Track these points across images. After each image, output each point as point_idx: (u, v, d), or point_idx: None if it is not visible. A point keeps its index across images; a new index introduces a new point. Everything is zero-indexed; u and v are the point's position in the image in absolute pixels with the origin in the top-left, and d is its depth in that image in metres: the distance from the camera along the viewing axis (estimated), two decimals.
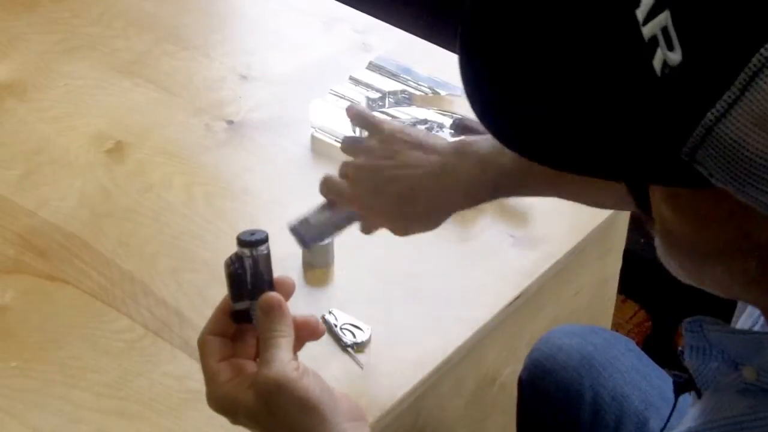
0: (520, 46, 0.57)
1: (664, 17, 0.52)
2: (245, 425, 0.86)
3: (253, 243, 0.86)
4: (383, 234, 1.25)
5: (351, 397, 0.87)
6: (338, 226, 1.10)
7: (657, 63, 0.52)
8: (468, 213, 1.31)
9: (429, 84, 1.43)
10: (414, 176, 1.02)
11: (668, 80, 0.52)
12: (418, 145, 1.04)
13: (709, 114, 0.51)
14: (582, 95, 0.55)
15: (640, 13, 0.53)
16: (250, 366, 0.86)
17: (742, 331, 0.73)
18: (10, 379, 1.12)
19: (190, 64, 1.54)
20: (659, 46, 0.52)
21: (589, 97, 0.55)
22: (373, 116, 1.11)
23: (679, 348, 0.75)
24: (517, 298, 1.21)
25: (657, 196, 0.62)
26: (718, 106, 0.51)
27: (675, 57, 0.52)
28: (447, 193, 1.02)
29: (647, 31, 0.53)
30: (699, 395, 0.75)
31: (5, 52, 1.56)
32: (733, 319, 0.80)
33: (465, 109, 1.39)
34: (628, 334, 2.00)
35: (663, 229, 0.63)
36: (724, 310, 0.83)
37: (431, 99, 1.42)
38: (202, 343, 0.87)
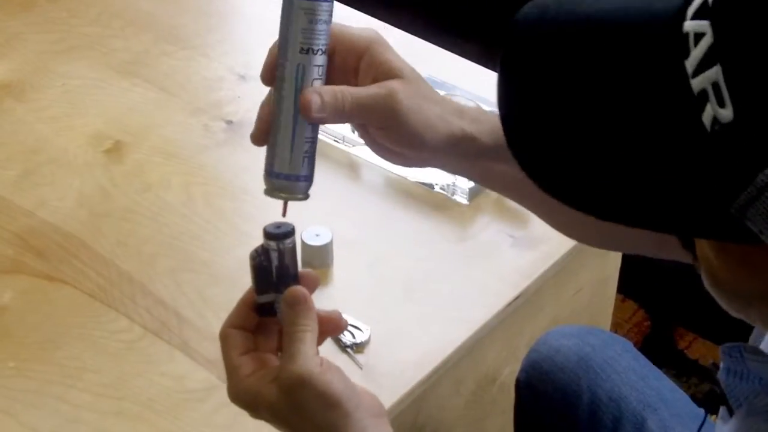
0: (567, 96, 0.56)
1: (714, 72, 0.51)
2: (266, 419, 0.84)
3: (279, 236, 0.84)
4: (382, 233, 1.25)
5: (372, 393, 0.86)
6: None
7: (707, 118, 0.51)
8: (467, 213, 1.31)
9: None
10: (442, 98, 0.87)
11: (718, 137, 0.51)
12: None
13: (761, 175, 0.50)
14: (629, 147, 0.54)
15: (689, 65, 0.52)
16: (272, 360, 0.85)
17: None
18: (8, 379, 1.12)
19: (189, 63, 1.54)
20: (709, 101, 0.51)
21: (636, 149, 0.54)
22: None
23: (711, 362, 0.75)
24: (517, 298, 1.21)
25: (703, 241, 0.61)
26: None
27: (726, 114, 0.50)
28: (461, 121, 0.85)
29: (696, 84, 0.51)
30: (730, 412, 0.74)
31: (3, 52, 1.55)
32: (754, 333, 0.79)
33: None
34: (627, 333, 2.00)
35: (708, 270, 0.62)
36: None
37: None
38: (224, 336, 0.85)
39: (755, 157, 0.50)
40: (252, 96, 1.48)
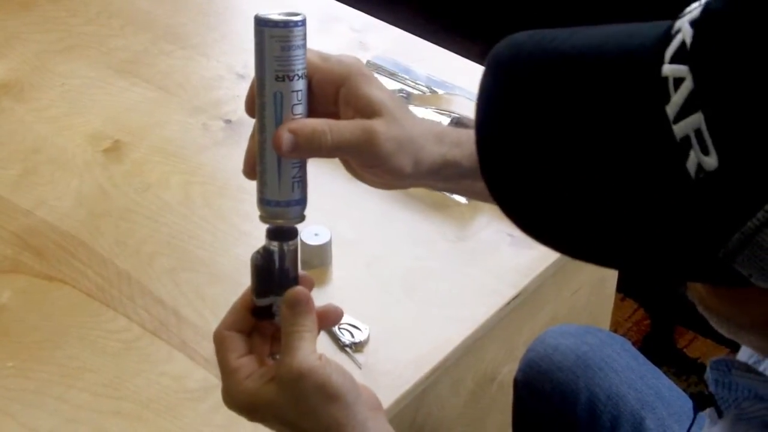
0: (545, 139, 0.55)
1: (696, 119, 0.50)
2: (264, 421, 0.84)
3: (283, 236, 0.83)
4: (381, 233, 1.25)
5: (368, 387, 0.86)
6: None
7: (691, 166, 0.50)
8: (466, 212, 1.31)
9: (427, 83, 1.43)
10: (422, 120, 0.86)
11: (704, 185, 0.50)
12: None
13: (749, 223, 0.49)
14: (608, 191, 0.53)
15: (671, 111, 0.51)
16: (266, 362, 0.85)
17: None
18: (6, 379, 1.12)
19: (188, 63, 1.54)
20: (692, 149, 0.50)
21: (616, 194, 0.53)
22: None
23: (708, 361, 0.75)
24: (516, 297, 1.21)
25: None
26: (759, 215, 0.49)
27: (711, 162, 0.50)
28: (446, 145, 0.85)
29: (678, 130, 0.50)
30: (719, 413, 0.74)
31: (2, 51, 1.55)
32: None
33: (462, 108, 1.39)
34: (627, 332, 2.00)
35: (700, 300, 0.62)
36: None
37: (429, 98, 1.41)
38: (220, 339, 0.84)
39: (743, 205, 0.49)
40: None
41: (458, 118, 1.37)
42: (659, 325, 2.05)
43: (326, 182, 1.36)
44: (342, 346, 1.14)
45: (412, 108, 1.40)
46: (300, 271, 0.86)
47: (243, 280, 1.21)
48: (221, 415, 1.07)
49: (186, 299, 1.19)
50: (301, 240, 1.22)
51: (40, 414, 1.08)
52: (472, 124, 1.38)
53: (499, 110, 0.58)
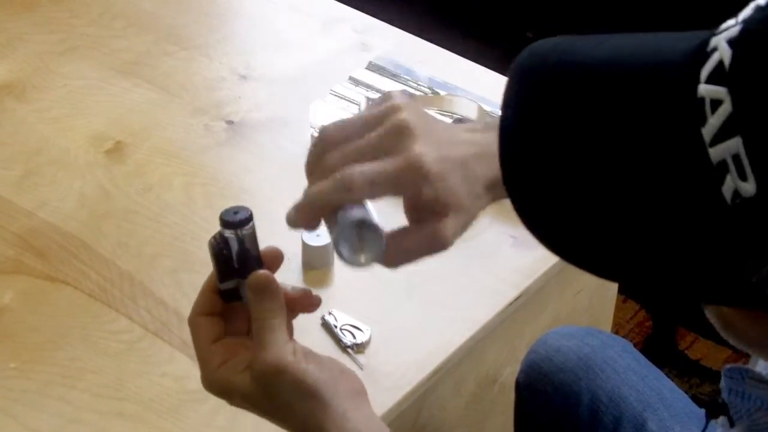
0: (573, 157, 0.54)
1: (735, 143, 0.48)
2: (243, 407, 0.84)
3: (237, 224, 0.83)
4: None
5: (347, 369, 0.84)
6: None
7: (727, 191, 0.49)
8: None
9: (429, 84, 1.43)
10: (472, 147, 0.80)
11: (740, 211, 0.49)
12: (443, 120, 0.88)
13: None
14: (638, 211, 0.52)
15: (707, 134, 0.49)
16: (244, 344, 0.84)
17: None
18: (9, 380, 1.12)
19: (190, 64, 1.54)
20: (729, 173, 0.49)
21: (647, 215, 0.52)
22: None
23: (721, 385, 0.74)
24: (518, 298, 1.21)
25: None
26: None
27: (749, 188, 0.48)
28: (491, 173, 0.80)
29: (715, 154, 0.49)
30: (731, 422, 0.74)
31: (4, 52, 1.56)
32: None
33: (464, 109, 1.39)
34: (628, 334, 2.00)
35: (719, 317, 0.61)
36: None
37: (431, 99, 1.41)
38: (192, 325, 0.84)
39: None
40: (253, 96, 1.48)
41: (460, 119, 1.37)
42: (661, 326, 2.05)
43: None
44: (343, 348, 1.14)
45: None
46: (267, 246, 0.85)
47: None
48: (222, 416, 1.07)
49: (188, 300, 1.19)
50: (303, 241, 1.22)
51: (42, 415, 1.08)
52: (473, 124, 1.38)
53: (524, 126, 0.56)
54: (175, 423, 1.08)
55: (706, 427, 0.85)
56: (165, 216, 1.30)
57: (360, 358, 1.13)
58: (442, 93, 1.42)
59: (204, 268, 1.23)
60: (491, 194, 0.80)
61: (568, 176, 0.54)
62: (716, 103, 0.49)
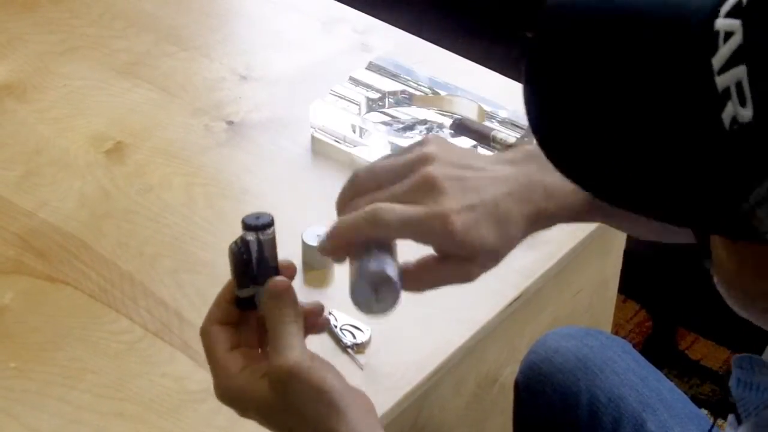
0: (593, 85, 0.57)
1: (740, 71, 0.51)
2: (254, 418, 0.83)
3: (259, 227, 0.83)
4: None
5: (360, 390, 0.85)
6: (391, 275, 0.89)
7: (726, 117, 0.51)
8: None
9: (429, 84, 1.43)
10: (504, 184, 0.82)
11: (735, 136, 0.51)
12: (481, 156, 0.88)
13: None
14: (650, 138, 0.54)
15: (716, 62, 0.52)
16: (258, 354, 0.84)
17: None
18: (9, 380, 1.12)
19: (190, 64, 1.54)
20: (731, 100, 0.51)
21: (656, 140, 0.54)
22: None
23: (725, 369, 0.74)
24: (518, 298, 1.21)
25: (717, 239, 0.62)
26: None
27: (746, 114, 0.51)
28: (534, 205, 0.83)
29: (721, 81, 0.51)
30: (738, 420, 0.74)
31: (4, 53, 1.56)
32: None
33: (465, 110, 1.39)
34: (628, 334, 2.00)
35: (720, 270, 0.63)
36: (725, 308, 0.83)
37: (431, 99, 1.42)
38: (207, 334, 0.84)
39: None
40: (253, 97, 1.49)
41: (460, 119, 1.37)
42: (661, 326, 2.05)
43: (328, 183, 1.36)
44: (344, 348, 1.14)
45: (413, 109, 1.41)
46: (281, 258, 0.85)
47: None
48: (223, 417, 1.07)
49: (188, 300, 1.20)
50: (303, 241, 1.22)
51: (42, 415, 1.08)
52: (473, 126, 1.38)
53: (554, 56, 0.59)
54: (176, 423, 1.08)
55: (712, 427, 0.85)
56: (165, 216, 1.30)
57: (360, 358, 1.13)
58: (443, 93, 1.42)
59: (204, 268, 1.24)
60: (527, 230, 0.84)
61: (585, 100, 0.57)
62: (729, 35, 0.52)
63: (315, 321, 0.87)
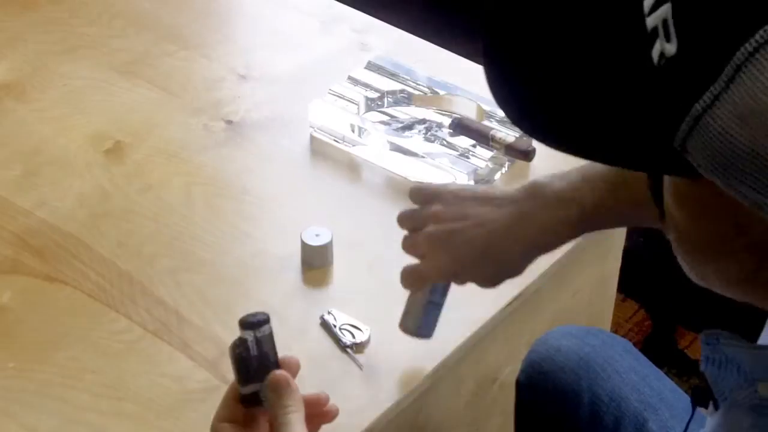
0: (531, 34, 0.60)
1: (665, 9, 0.53)
2: None
3: (254, 324, 0.87)
4: (382, 233, 1.25)
5: None
6: (437, 302, 1.08)
7: (655, 53, 0.54)
8: None
9: (428, 83, 1.43)
10: (493, 231, 1.01)
11: (663, 70, 0.54)
12: (487, 200, 1.02)
13: (696, 104, 0.52)
14: (586, 81, 0.57)
15: (647, 5, 0.54)
16: None
17: (759, 347, 0.72)
18: (7, 380, 1.12)
19: (189, 64, 1.54)
20: (659, 37, 0.54)
21: (593, 82, 0.57)
22: (431, 184, 1.10)
23: (700, 357, 0.75)
24: (517, 297, 1.21)
25: (666, 190, 0.64)
26: (705, 97, 0.52)
27: (671, 48, 0.53)
28: (529, 240, 1.00)
29: (650, 21, 0.54)
30: (717, 406, 0.74)
31: (4, 52, 1.56)
32: (762, 334, 0.79)
33: (463, 109, 1.39)
34: (627, 333, 2.00)
35: (671, 226, 0.65)
36: (724, 307, 0.83)
37: (430, 98, 1.42)
38: (216, 431, 0.88)
39: (693, 89, 0.53)
40: (252, 96, 1.49)
41: (459, 118, 1.37)
42: (660, 326, 2.05)
43: (328, 183, 1.36)
44: (343, 347, 1.14)
45: (412, 108, 1.41)
46: (284, 354, 0.89)
47: (244, 281, 1.22)
48: None
49: (187, 300, 1.19)
50: (303, 240, 1.22)
51: (41, 415, 1.08)
52: (472, 124, 1.38)
53: (502, 16, 0.63)
54: (175, 423, 1.07)
55: (692, 416, 0.86)
56: (164, 216, 1.30)
57: (359, 357, 1.13)
58: (442, 92, 1.42)
59: (203, 268, 1.24)
60: (523, 261, 1.02)
61: (530, 42, 0.60)
62: None
63: (323, 410, 0.90)
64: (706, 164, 0.53)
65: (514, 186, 1.04)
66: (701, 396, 0.78)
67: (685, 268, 0.66)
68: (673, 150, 0.54)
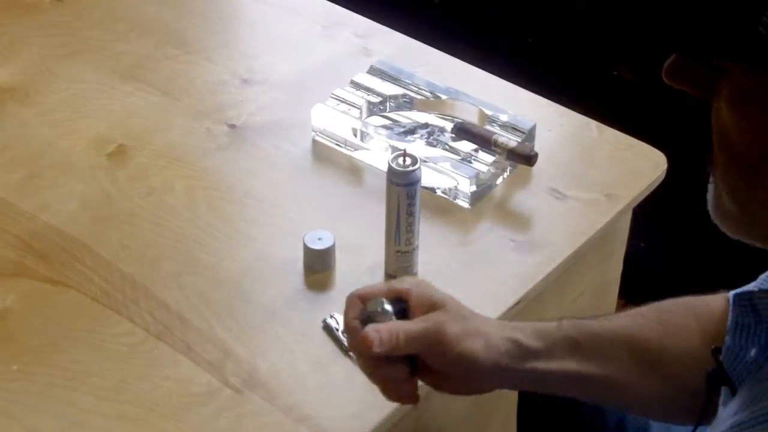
0: None
1: None
2: None
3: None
4: (383, 239, 1.25)
5: None
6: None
7: None
8: (469, 217, 1.31)
9: (430, 88, 1.43)
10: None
11: None
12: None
13: None
14: None
15: None
16: None
17: None
18: (11, 382, 1.12)
19: (192, 67, 1.54)
20: None
21: None
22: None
23: (713, 346, 0.74)
24: (518, 302, 1.21)
25: (726, 101, 0.64)
26: None
27: None
28: (520, 330, 0.99)
29: None
30: (733, 392, 0.74)
31: (7, 55, 1.56)
32: None
33: (465, 113, 1.39)
34: None
35: (721, 143, 0.65)
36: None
37: (432, 103, 1.42)
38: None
39: None
40: (255, 100, 1.49)
41: (461, 123, 1.38)
42: None
43: (330, 187, 1.37)
44: (345, 350, 1.14)
45: (414, 112, 1.41)
46: None
47: (247, 285, 1.22)
48: (225, 419, 1.08)
49: (190, 303, 1.20)
50: (305, 244, 1.22)
51: (44, 417, 1.08)
52: (474, 129, 1.38)
53: None
54: (178, 426, 1.08)
55: (706, 397, 0.85)
56: (167, 219, 1.30)
57: None
58: (444, 97, 1.42)
59: (206, 271, 1.24)
60: (506, 355, 0.97)
61: None
62: None
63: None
64: None
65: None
66: (717, 380, 0.77)
67: (729, 205, 0.66)
68: (755, 35, 0.56)
